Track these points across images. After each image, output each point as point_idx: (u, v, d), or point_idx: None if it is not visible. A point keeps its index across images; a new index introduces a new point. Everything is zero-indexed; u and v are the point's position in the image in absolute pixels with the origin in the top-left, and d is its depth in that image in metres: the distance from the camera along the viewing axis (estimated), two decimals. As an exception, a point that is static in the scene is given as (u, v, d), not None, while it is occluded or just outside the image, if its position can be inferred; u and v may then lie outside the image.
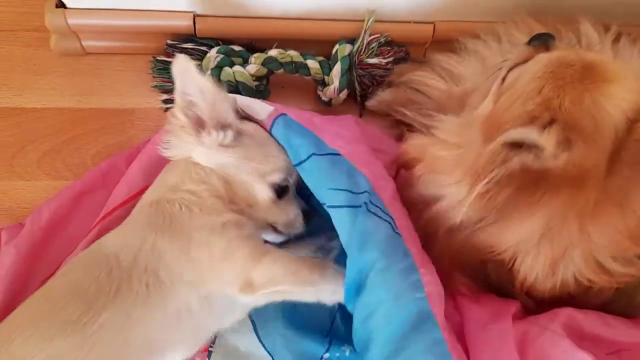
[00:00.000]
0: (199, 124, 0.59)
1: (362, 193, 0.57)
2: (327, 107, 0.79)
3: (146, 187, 0.67)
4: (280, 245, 0.66)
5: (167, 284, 0.57)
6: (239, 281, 0.58)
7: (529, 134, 0.47)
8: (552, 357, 0.58)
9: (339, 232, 0.57)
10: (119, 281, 0.56)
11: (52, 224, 0.70)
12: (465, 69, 0.62)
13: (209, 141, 0.59)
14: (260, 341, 0.68)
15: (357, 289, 0.56)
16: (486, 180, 0.46)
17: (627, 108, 0.49)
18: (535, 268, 0.57)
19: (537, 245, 0.55)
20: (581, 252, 0.56)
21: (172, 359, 0.61)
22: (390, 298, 0.56)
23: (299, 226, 0.65)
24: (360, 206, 0.56)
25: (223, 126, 0.60)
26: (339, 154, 0.59)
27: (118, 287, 0.56)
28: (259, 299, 0.59)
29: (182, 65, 0.57)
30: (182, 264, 0.58)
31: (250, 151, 0.61)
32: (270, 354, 0.67)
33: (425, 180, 0.55)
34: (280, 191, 0.63)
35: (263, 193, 0.61)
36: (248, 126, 0.64)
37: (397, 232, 0.56)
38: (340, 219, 0.57)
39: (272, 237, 0.67)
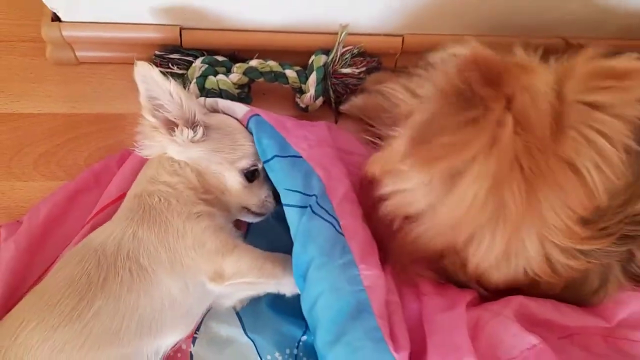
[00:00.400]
0: (170, 124, 0.63)
1: (311, 195, 0.62)
2: (304, 113, 0.84)
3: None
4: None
5: (149, 270, 0.61)
6: (210, 271, 0.63)
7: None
8: (503, 339, 0.63)
9: (290, 228, 0.62)
10: (106, 270, 0.60)
11: (49, 221, 0.73)
12: (423, 90, 0.67)
13: (181, 139, 0.63)
14: (243, 328, 0.71)
15: (303, 282, 0.61)
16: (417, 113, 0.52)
17: (554, 83, 0.55)
18: (490, 253, 0.59)
19: (492, 229, 0.56)
20: (535, 236, 0.58)
21: (165, 342, 0.64)
22: (328, 290, 0.60)
23: (270, 206, 0.69)
24: (307, 207, 0.61)
25: (192, 123, 0.64)
26: (300, 157, 0.64)
27: (105, 275, 0.59)
28: (226, 288, 0.63)
29: (145, 73, 0.61)
30: (160, 250, 0.61)
31: (218, 143, 0.66)
32: (251, 340, 0.70)
33: (384, 183, 0.60)
34: (250, 175, 0.67)
35: (233, 180, 0.66)
36: (214, 119, 0.68)
37: (339, 232, 0.61)
38: (291, 217, 0.62)
39: (249, 218, 0.71)
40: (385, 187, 0.61)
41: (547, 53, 0.60)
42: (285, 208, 0.62)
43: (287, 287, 0.64)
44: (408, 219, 0.60)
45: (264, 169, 0.68)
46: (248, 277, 0.62)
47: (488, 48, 0.57)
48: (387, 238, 0.63)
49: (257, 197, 0.68)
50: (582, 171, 0.55)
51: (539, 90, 0.54)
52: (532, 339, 0.62)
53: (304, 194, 0.62)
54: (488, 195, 0.54)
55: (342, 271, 0.60)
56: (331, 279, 0.60)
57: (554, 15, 0.78)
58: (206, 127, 0.65)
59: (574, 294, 0.68)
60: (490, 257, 0.58)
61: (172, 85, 0.62)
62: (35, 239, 0.71)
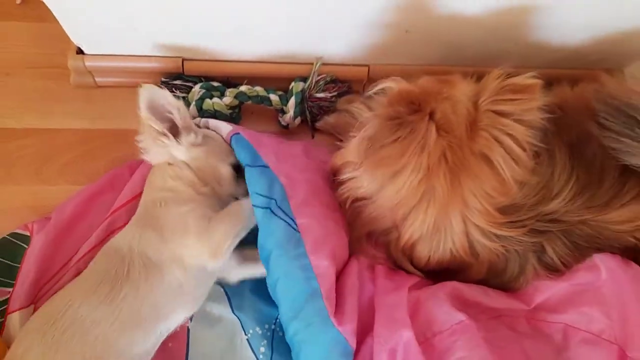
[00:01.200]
0: (174, 132, 0.75)
1: (272, 199, 0.72)
2: (285, 130, 0.93)
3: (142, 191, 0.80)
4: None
5: (157, 263, 0.70)
6: (206, 249, 0.71)
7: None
8: (436, 316, 0.72)
9: (258, 224, 0.73)
10: (128, 264, 0.70)
11: (72, 217, 0.82)
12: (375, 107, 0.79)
13: (185, 142, 0.75)
14: (231, 307, 0.81)
15: (267, 266, 0.72)
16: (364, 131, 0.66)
17: (470, 95, 0.68)
18: (422, 226, 0.70)
19: (424, 207, 0.68)
20: (459, 215, 0.69)
21: (176, 320, 0.74)
22: (283, 276, 0.70)
23: None
24: (268, 208, 0.72)
25: (192, 131, 0.76)
26: (267, 166, 0.75)
27: (128, 269, 0.70)
28: (225, 255, 0.72)
29: (151, 91, 0.72)
30: (161, 245, 0.71)
31: (212, 146, 0.79)
32: (237, 317, 0.80)
33: (342, 172, 0.72)
34: (237, 168, 0.79)
35: (226, 171, 0.79)
36: (207, 130, 0.80)
37: (295, 229, 0.71)
38: (257, 215, 0.72)
39: None
40: (343, 175, 0.73)
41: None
42: (254, 208, 0.73)
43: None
44: (359, 199, 0.72)
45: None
46: (234, 230, 0.73)
47: (407, 81, 0.71)
48: (350, 225, 0.76)
49: (242, 187, 0.79)
50: (494, 163, 0.67)
51: (458, 99, 0.68)
52: (460, 316, 0.71)
53: (267, 197, 0.72)
54: (420, 183, 0.66)
55: (295, 260, 0.70)
56: (285, 267, 0.70)
57: (493, 50, 0.90)
58: (203, 136, 0.78)
59: (498, 280, 0.78)
60: (423, 229, 0.69)
61: (179, 103, 0.74)
62: (61, 232, 0.81)
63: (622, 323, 0.76)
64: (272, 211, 0.72)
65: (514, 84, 0.69)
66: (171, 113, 0.74)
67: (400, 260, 0.77)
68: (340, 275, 0.75)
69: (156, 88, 0.73)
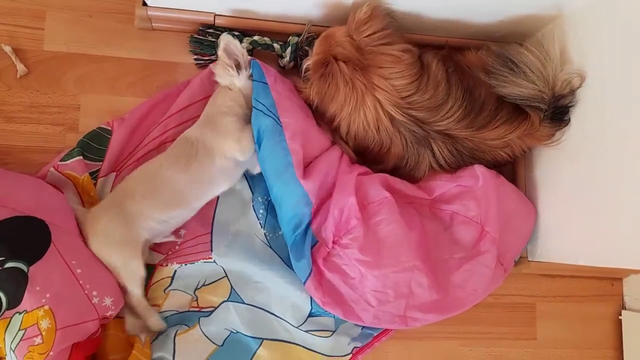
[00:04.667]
0: (237, 66, 1.05)
1: (264, 105, 1.00)
2: (283, 70, 1.17)
3: (187, 105, 1.12)
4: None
5: (211, 150, 1.02)
6: (238, 148, 1.04)
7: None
8: (371, 191, 1.04)
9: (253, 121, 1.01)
10: (195, 149, 1.01)
11: (140, 118, 1.11)
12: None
13: (244, 75, 1.05)
14: (248, 184, 1.16)
15: (259, 148, 1.01)
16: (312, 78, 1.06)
17: (345, 33, 1.03)
18: (347, 108, 1.02)
19: (351, 98, 1.01)
20: (371, 96, 1.00)
21: (221, 189, 1.08)
22: (269, 154, 1.00)
23: None
24: (262, 110, 1.01)
25: (248, 68, 1.06)
26: (266, 83, 1.03)
27: (195, 151, 1.01)
28: (247, 156, 1.03)
29: (229, 39, 1.02)
30: (215, 139, 1.02)
31: None
32: (251, 190, 1.16)
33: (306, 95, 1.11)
34: None
35: None
36: None
37: (279, 124, 1.00)
38: (254, 115, 1.01)
39: None
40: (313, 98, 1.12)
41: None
42: (253, 110, 1.01)
43: None
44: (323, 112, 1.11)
45: None
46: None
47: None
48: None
49: None
50: (383, 51, 1.01)
51: (341, 41, 1.03)
52: (386, 193, 1.05)
53: (261, 103, 1.01)
54: (346, 87, 1.03)
55: (278, 144, 0.99)
56: (272, 148, 0.99)
57: (428, 21, 1.22)
58: None
59: (403, 169, 1.09)
60: (348, 111, 1.03)
61: (242, 48, 1.05)
62: (133, 128, 1.11)
63: (485, 212, 1.10)
64: (263, 112, 1.01)
65: (360, 19, 1.03)
66: (237, 55, 1.09)
67: (339, 142, 1.13)
68: (317, 158, 1.11)
69: (232, 38, 1.05)
